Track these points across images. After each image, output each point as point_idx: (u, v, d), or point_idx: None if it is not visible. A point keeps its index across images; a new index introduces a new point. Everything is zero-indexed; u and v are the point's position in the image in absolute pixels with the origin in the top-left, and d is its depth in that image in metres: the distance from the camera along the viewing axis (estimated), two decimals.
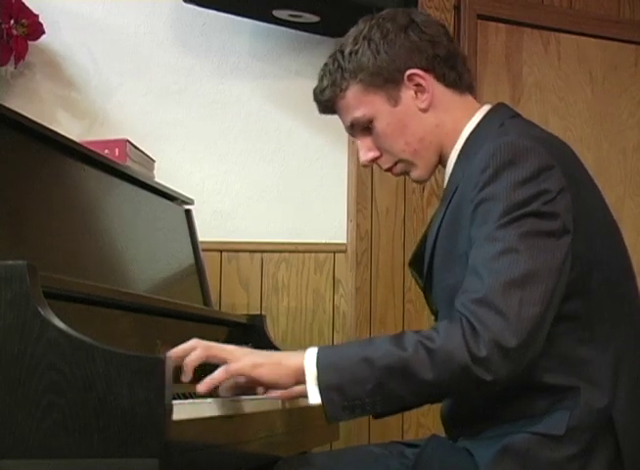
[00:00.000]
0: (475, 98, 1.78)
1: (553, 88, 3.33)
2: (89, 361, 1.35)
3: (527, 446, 1.55)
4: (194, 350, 1.57)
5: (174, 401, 1.38)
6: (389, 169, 1.78)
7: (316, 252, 2.96)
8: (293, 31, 2.87)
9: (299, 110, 2.94)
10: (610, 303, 1.63)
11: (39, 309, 1.38)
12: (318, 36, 2.90)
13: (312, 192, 2.97)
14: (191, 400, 1.53)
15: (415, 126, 1.72)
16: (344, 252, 2.98)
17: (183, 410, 1.41)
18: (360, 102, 1.72)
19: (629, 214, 3.40)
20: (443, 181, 1.77)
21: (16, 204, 1.74)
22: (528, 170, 1.55)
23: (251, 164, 2.96)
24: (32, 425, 1.35)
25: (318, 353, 1.53)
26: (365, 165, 1.81)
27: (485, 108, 1.75)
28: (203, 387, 1.54)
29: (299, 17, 2.75)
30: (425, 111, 1.71)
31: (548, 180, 1.55)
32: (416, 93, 1.71)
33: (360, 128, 1.75)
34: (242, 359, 1.56)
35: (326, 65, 1.75)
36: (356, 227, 2.97)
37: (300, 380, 1.53)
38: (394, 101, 1.71)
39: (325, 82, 1.74)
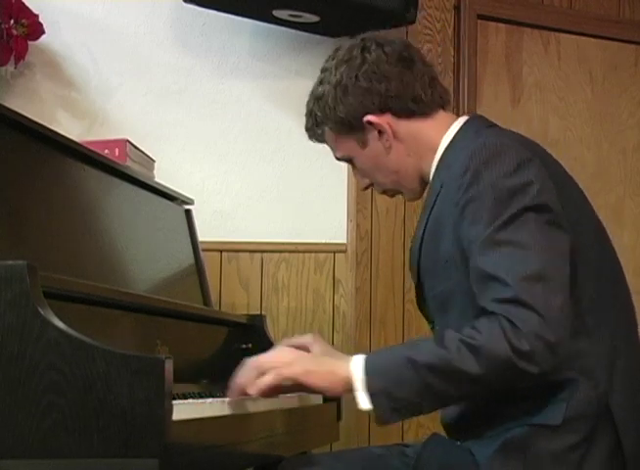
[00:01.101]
0: (448, 109, 1.83)
1: (553, 88, 3.33)
2: (89, 361, 1.35)
3: (526, 438, 1.57)
4: (251, 371, 1.61)
5: (174, 401, 1.38)
6: (384, 193, 1.91)
7: (316, 252, 2.96)
8: (293, 31, 2.87)
9: (299, 110, 2.91)
10: (598, 292, 1.65)
11: (39, 309, 1.38)
12: (318, 36, 2.90)
13: (312, 192, 2.97)
14: (191, 400, 1.53)
15: (387, 163, 1.81)
16: (344, 252, 2.98)
17: (183, 410, 1.41)
18: (336, 145, 1.85)
19: (629, 214, 3.40)
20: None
21: (16, 204, 1.74)
22: (508, 165, 1.59)
23: (251, 164, 2.96)
24: (32, 425, 1.35)
25: (365, 360, 1.57)
26: (363, 190, 1.95)
27: (460, 120, 1.79)
28: (254, 390, 1.60)
29: (299, 17, 2.75)
30: (390, 148, 1.79)
31: (529, 171, 1.59)
32: (379, 133, 1.78)
33: (347, 162, 1.88)
34: (293, 364, 1.60)
35: (307, 103, 1.86)
36: (356, 227, 2.97)
37: (349, 387, 1.57)
38: (363, 144, 1.81)
39: (307, 123, 1.86)
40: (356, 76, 1.76)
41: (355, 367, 1.56)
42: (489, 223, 1.56)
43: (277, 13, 2.74)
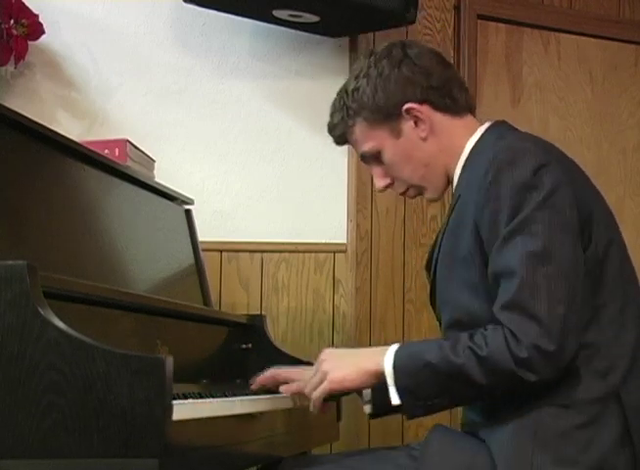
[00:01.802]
0: (474, 116, 1.88)
1: (553, 88, 3.33)
2: (89, 361, 1.35)
3: (535, 417, 1.61)
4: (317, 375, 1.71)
5: (174, 401, 1.38)
6: (403, 193, 1.91)
7: (316, 252, 2.96)
8: (293, 31, 2.87)
9: (299, 110, 2.94)
10: (624, 291, 1.70)
11: (39, 309, 1.38)
12: (318, 36, 2.91)
13: (312, 192, 2.97)
14: (191, 400, 1.53)
15: (419, 154, 1.83)
16: (344, 252, 2.98)
17: (183, 410, 1.41)
18: (367, 137, 1.85)
19: (629, 214, 3.40)
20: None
21: (16, 204, 1.74)
22: (528, 169, 1.63)
23: (251, 164, 2.96)
24: (32, 425, 1.35)
25: (395, 355, 1.65)
26: (381, 191, 1.94)
27: (485, 125, 1.85)
28: (315, 397, 1.72)
29: (299, 17, 2.75)
30: (425, 139, 1.82)
31: (547, 175, 1.63)
32: (415, 124, 1.82)
33: (371, 159, 1.88)
34: (330, 378, 1.69)
35: (334, 102, 1.88)
36: (356, 227, 2.97)
37: (381, 380, 1.66)
38: (397, 133, 1.83)
39: (334, 119, 1.88)
40: (399, 67, 1.81)
41: (387, 362, 1.64)
42: (506, 225, 1.61)
43: (277, 13, 2.74)
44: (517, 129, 1.85)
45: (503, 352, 1.56)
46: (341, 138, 1.89)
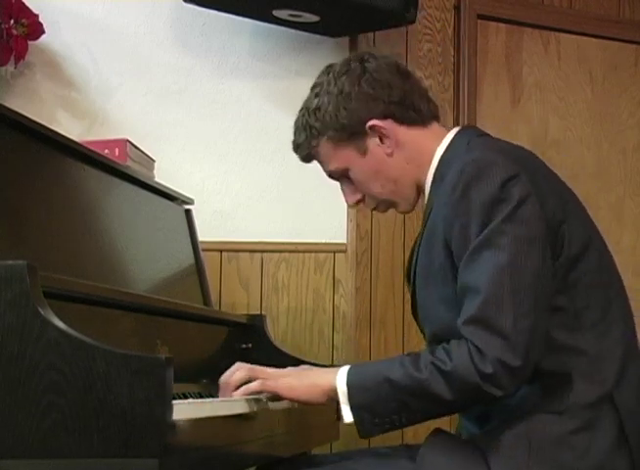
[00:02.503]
0: (439, 123, 1.86)
1: (553, 88, 3.33)
2: (89, 361, 1.35)
3: (529, 425, 1.61)
4: (242, 372, 1.71)
5: (174, 401, 1.38)
6: (374, 209, 1.89)
7: (316, 252, 2.96)
8: (293, 31, 2.87)
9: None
10: (605, 298, 1.69)
11: (39, 309, 1.38)
12: (318, 36, 2.91)
13: (312, 192, 2.97)
14: (191, 400, 1.53)
15: (387, 170, 1.81)
16: (344, 252, 2.98)
17: (183, 410, 1.41)
18: (332, 156, 1.82)
19: (629, 214, 3.40)
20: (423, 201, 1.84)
21: (16, 204, 1.74)
22: (495, 183, 1.62)
23: (251, 164, 2.96)
24: (32, 425, 1.35)
25: (348, 373, 1.64)
26: (352, 207, 1.95)
27: (454, 131, 1.83)
28: (238, 393, 1.68)
29: (299, 17, 2.75)
30: (392, 154, 1.80)
31: (515, 188, 1.62)
32: (381, 140, 1.80)
33: (339, 176, 1.86)
34: (279, 381, 1.69)
35: (297, 120, 1.85)
36: (356, 227, 2.97)
37: (333, 398, 1.65)
38: (363, 151, 1.81)
39: (298, 139, 1.85)
40: (359, 84, 1.78)
41: (340, 380, 1.64)
42: (473, 239, 1.61)
43: (277, 13, 2.74)
44: (486, 135, 1.83)
45: (468, 367, 1.55)
46: (307, 158, 1.86)
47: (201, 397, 1.67)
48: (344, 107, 1.77)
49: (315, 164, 3.05)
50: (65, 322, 1.38)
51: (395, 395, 1.59)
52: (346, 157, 1.81)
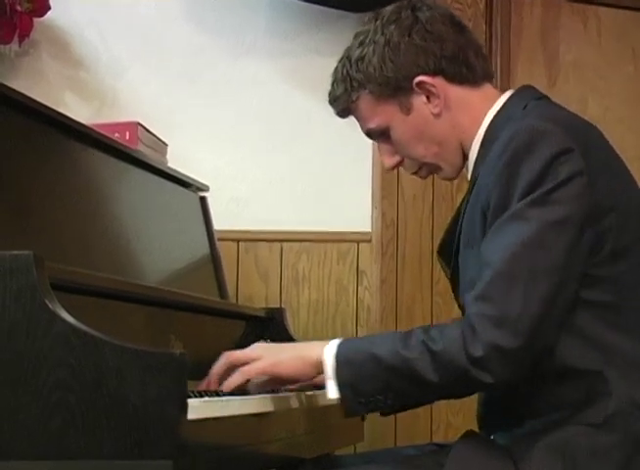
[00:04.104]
0: (492, 84, 1.81)
1: (592, 67, 3.31)
2: (99, 357, 1.36)
3: (566, 437, 1.57)
4: (222, 367, 1.67)
5: (189, 400, 1.38)
6: (415, 173, 1.84)
7: (339, 241, 2.96)
8: (311, 7, 2.86)
9: (320, 90, 2.92)
10: (636, 287, 1.64)
11: (46, 302, 1.38)
12: (338, 12, 2.89)
13: (334, 178, 2.97)
14: (207, 398, 1.53)
15: (432, 131, 1.76)
16: (369, 241, 2.98)
17: (198, 409, 1.41)
18: (373, 112, 1.77)
19: None
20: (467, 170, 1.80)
21: (20, 191, 1.74)
22: (543, 157, 1.57)
23: (269, 148, 2.96)
24: (40, 424, 1.36)
25: (338, 347, 1.60)
26: (389, 171, 1.88)
27: (508, 94, 1.78)
28: (224, 388, 1.63)
29: None
30: (439, 115, 1.75)
31: (563, 165, 1.57)
32: (428, 99, 1.75)
33: (378, 135, 1.81)
34: (261, 359, 1.64)
35: (336, 69, 1.80)
36: (382, 215, 2.97)
37: (321, 371, 1.61)
38: (407, 109, 1.75)
39: (337, 91, 1.79)
40: (409, 34, 1.73)
41: (328, 353, 1.60)
42: (505, 213, 1.57)
43: None
44: (545, 97, 1.78)
45: (457, 348, 1.51)
46: (344, 112, 1.81)
47: (217, 395, 1.67)
48: (391, 59, 1.72)
49: (337, 147, 3.03)
50: (73, 316, 1.38)
51: (381, 373, 1.55)
52: (388, 114, 1.76)
